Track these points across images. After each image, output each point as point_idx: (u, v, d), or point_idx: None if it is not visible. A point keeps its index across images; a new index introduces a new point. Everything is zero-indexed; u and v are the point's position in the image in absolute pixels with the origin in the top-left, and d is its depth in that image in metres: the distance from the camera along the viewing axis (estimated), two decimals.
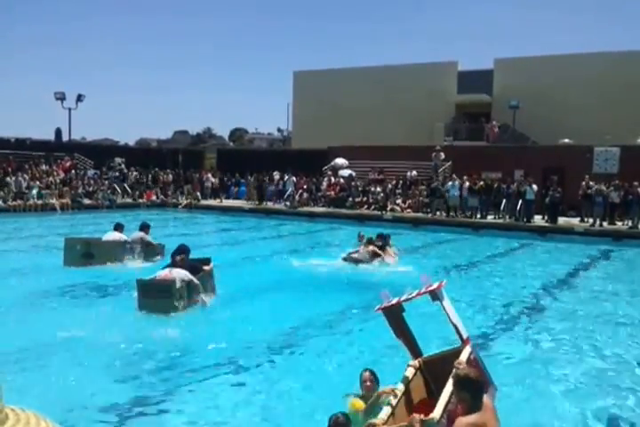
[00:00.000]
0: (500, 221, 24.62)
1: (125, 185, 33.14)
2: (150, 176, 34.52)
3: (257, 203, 30.67)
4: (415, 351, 5.93)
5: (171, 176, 34.86)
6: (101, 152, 38.93)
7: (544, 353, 8.57)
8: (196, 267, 10.23)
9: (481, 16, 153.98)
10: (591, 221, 23.32)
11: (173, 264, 9.95)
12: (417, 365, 5.73)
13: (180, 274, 9.59)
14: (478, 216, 25.20)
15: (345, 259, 14.80)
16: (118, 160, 36.25)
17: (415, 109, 39.55)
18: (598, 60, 35.86)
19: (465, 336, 5.67)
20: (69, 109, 39.09)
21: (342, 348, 8.68)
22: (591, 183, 23.80)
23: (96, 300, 10.90)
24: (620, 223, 23.39)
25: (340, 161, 32.75)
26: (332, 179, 31.15)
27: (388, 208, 27.04)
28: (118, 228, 14.07)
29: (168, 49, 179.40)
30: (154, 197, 32.80)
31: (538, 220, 24.07)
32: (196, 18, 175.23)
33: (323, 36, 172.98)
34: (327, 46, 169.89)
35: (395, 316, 5.88)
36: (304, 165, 32.73)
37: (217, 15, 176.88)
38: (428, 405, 5.09)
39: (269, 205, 30.48)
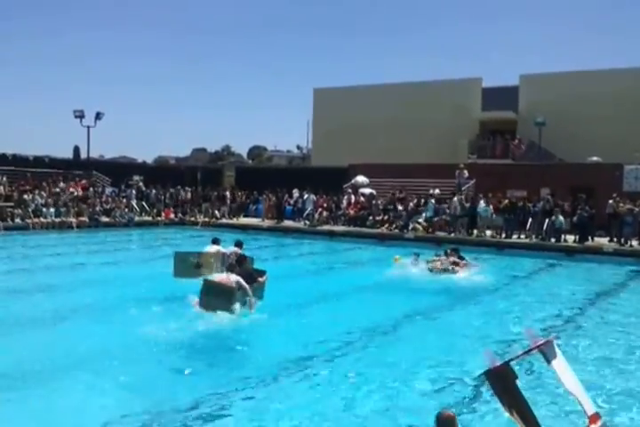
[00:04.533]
0: (526, 240, 23.94)
1: (144, 203, 32.88)
2: (168, 194, 34.22)
3: (276, 221, 30.19)
4: None
5: (189, 194, 34.56)
6: (119, 170, 38.96)
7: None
8: (252, 275, 11.34)
9: (506, 32, 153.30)
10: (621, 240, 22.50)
11: (230, 269, 11.03)
12: None
13: (238, 280, 10.55)
14: (503, 235, 24.47)
15: (432, 268, 16.28)
16: (137, 178, 36.10)
17: (438, 127, 39.07)
18: (626, 76, 35.24)
19: (590, 412, 4.45)
20: (88, 127, 38.98)
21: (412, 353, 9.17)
22: (620, 204, 23.11)
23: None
24: None
25: (360, 179, 32.21)
26: (353, 197, 30.56)
27: (410, 227, 26.41)
28: (216, 242, 14.78)
29: (186, 66, 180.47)
30: (172, 215, 32.46)
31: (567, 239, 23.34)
32: (214, 35, 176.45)
33: (344, 53, 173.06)
34: (348, 63, 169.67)
35: (504, 383, 4.62)
36: (324, 182, 32.14)
37: (236, 32, 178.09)
38: None
39: (289, 223, 29.98)
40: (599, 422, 4.42)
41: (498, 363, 4.50)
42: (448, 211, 26.18)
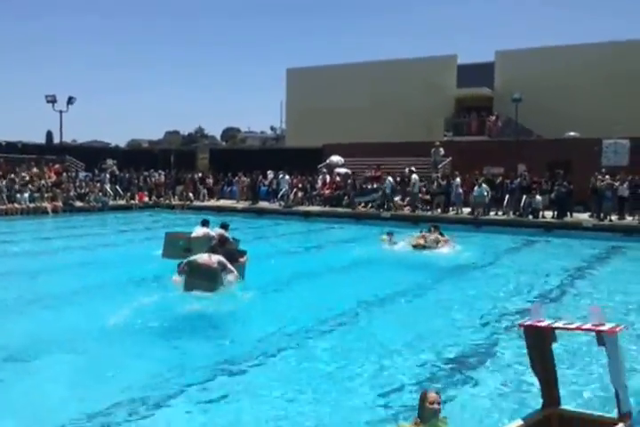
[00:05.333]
0: (504, 217, 23.90)
1: (117, 187, 32.40)
2: (142, 177, 33.70)
3: (251, 202, 29.88)
4: (552, 396, 4.62)
5: (163, 177, 34.07)
6: (93, 154, 38.47)
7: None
8: (233, 255, 11.55)
9: (480, 8, 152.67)
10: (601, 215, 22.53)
11: (213, 250, 11.08)
12: (547, 414, 4.52)
13: (220, 260, 10.68)
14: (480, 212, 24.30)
15: (416, 244, 16.47)
16: (110, 162, 35.64)
17: (414, 105, 38.67)
18: (602, 51, 35.06)
19: (626, 409, 4.23)
20: (60, 112, 38.28)
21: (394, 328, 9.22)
22: (606, 177, 23.01)
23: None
24: (630, 218, 22.45)
25: (335, 159, 31.93)
26: (328, 177, 30.31)
27: (386, 206, 26.28)
28: (205, 224, 14.77)
29: (159, 49, 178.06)
30: (146, 199, 32.05)
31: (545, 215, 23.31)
32: (185, 18, 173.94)
33: (317, 32, 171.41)
34: (322, 42, 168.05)
35: (540, 342, 4.50)
36: (299, 163, 31.88)
37: (208, 14, 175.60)
38: None
39: (264, 204, 29.69)
40: (628, 422, 4.21)
41: (543, 321, 4.36)
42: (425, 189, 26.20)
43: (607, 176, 23.11)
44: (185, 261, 10.96)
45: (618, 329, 4.11)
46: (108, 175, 33.10)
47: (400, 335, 8.76)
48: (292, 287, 12.33)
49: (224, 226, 14.86)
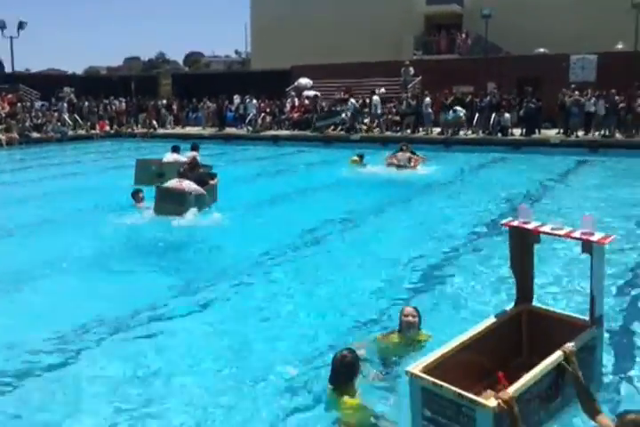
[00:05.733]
0: (473, 136, 23.74)
1: (76, 116, 31.32)
2: (102, 106, 32.52)
3: (217, 129, 29.19)
4: (525, 294, 4.80)
5: (124, 105, 32.95)
6: (48, 83, 36.71)
7: None
8: (203, 180, 11.70)
9: None
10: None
11: (184, 175, 11.26)
12: (519, 311, 4.74)
13: (189, 185, 10.89)
14: (450, 132, 24.07)
15: (389, 164, 16.66)
16: (67, 90, 34.29)
17: (382, 23, 37.50)
18: None
19: (597, 314, 4.37)
20: (11, 38, 36.46)
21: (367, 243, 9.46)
22: (575, 93, 22.81)
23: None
24: (596, 133, 22.52)
25: (303, 81, 31.12)
26: (297, 100, 29.60)
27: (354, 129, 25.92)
28: (176, 149, 14.95)
29: None
30: (107, 128, 31.05)
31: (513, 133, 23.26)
32: None
33: None
34: None
35: (523, 242, 4.62)
36: (266, 86, 30.91)
37: None
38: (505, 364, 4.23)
39: (231, 130, 29.01)
40: (597, 327, 4.37)
41: (530, 223, 4.46)
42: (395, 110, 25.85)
43: (576, 92, 22.86)
44: (155, 186, 11.16)
45: (607, 240, 4.13)
46: (65, 104, 31.71)
47: (381, 248, 9.00)
48: (264, 210, 12.28)
49: (194, 147, 15.04)
